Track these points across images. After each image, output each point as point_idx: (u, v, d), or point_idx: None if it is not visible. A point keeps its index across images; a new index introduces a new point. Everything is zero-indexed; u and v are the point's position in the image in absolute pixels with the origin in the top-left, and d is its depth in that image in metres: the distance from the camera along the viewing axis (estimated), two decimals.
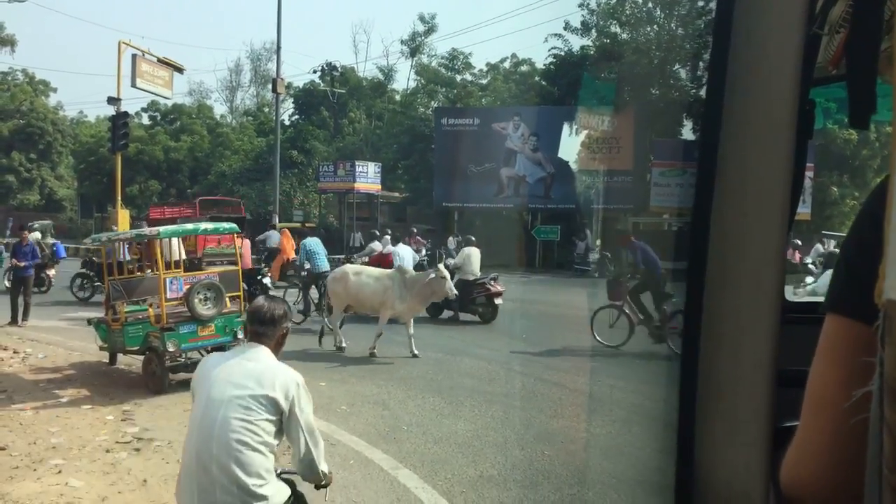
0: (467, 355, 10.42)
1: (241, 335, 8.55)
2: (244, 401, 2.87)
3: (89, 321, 9.48)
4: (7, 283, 14.67)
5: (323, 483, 3.07)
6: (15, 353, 10.28)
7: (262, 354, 3.03)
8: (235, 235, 9.83)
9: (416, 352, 10.10)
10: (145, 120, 44.56)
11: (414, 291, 10.19)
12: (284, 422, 2.93)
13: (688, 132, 30.91)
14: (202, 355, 8.67)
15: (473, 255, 13.66)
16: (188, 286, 8.28)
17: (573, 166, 30.97)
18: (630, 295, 10.64)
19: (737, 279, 1.06)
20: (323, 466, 3.01)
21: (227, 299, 8.72)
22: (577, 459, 6.34)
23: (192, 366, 8.54)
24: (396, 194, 38.92)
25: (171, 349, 7.95)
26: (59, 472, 5.59)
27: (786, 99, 1.04)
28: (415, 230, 21.40)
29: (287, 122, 43.65)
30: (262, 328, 3.10)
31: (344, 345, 10.56)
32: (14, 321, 12.54)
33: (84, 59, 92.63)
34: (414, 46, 40.01)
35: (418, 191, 34.50)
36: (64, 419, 7.14)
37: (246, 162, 37.62)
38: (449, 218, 31.31)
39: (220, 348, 8.55)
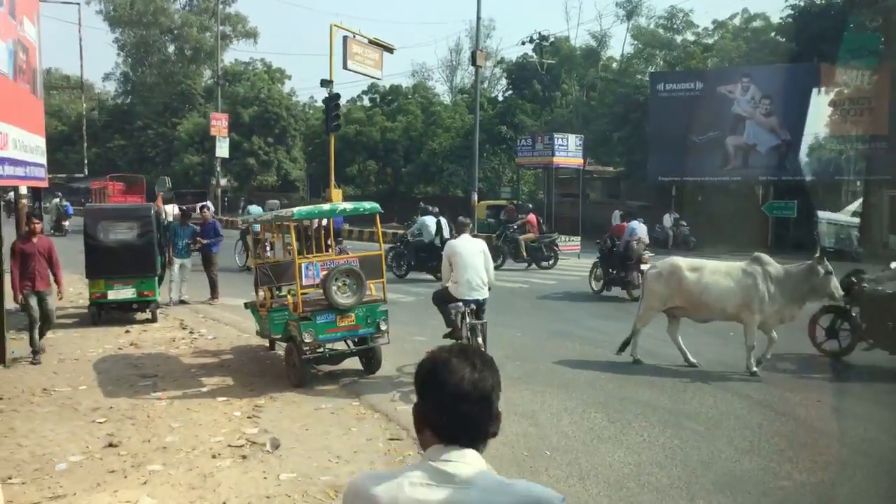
0: (654, 356, 8.77)
1: (384, 327, 7.76)
2: (477, 253, 7.61)
3: (246, 305, 9.26)
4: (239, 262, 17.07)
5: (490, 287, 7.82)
6: (191, 333, 10.45)
7: (468, 237, 7.83)
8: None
9: (755, 369, 7.92)
10: (366, 102, 46.38)
11: (786, 290, 7.91)
12: (485, 259, 7.67)
13: None
14: (349, 347, 8.04)
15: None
16: (325, 272, 7.59)
17: (815, 132, 26.71)
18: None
19: None
20: (493, 277, 7.89)
21: (372, 287, 7.96)
22: None
23: (334, 358, 7.94)
24: (610, 168, 36.74)
25: (307, 340, 7.33)
26: (145, 482, 5.09)
27: None
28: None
29: (500, 98, 43.11)
30: (464, 227, 7.98)
31: (637, 356, 8.54)
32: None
33: (313, 44, 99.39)
34: (630, 8, 37.24)
35: (633, 164, 32.16)
36: (193, 412, 6.80)
37: (456, 139, 37.55)
38: (665, 193, 28.73)
39: (363, 341, 7.86)
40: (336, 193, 27.94)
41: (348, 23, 39.66)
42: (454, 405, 1.56)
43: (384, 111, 43.27)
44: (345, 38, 28.64)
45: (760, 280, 7.92)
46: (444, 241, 14.61)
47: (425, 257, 15.60)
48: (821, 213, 22.99)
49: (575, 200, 27.45)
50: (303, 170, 46.94)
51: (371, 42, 30.15)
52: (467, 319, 7.52)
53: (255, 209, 18.80)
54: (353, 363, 8.25)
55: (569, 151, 23.06)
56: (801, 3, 28.62)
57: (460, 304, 7.52)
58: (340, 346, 8.09)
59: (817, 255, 7.88)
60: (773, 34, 32.58)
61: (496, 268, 13.19)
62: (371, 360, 8.01)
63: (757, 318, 7.97)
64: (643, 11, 38.01)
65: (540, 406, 6.86)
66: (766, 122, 26.74)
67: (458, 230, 8.15)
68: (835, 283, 7.82)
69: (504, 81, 45.43)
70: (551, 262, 18.06)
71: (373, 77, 32.58)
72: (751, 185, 28.29)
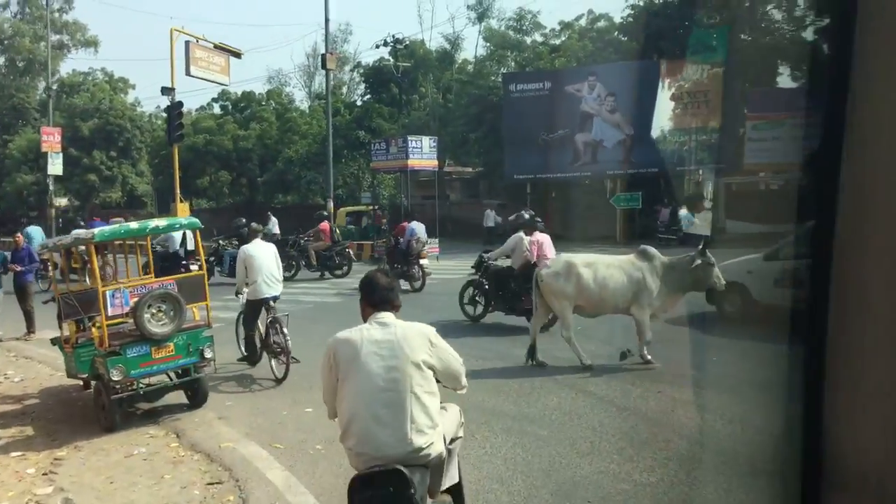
0: (502, 359, 8.55)
1: (209, 354, 7.05)
2: (269, 255, 8.63)
3: (53, 341, 8.22)
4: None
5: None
6: None
7: (260, 242, 8.81)
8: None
9: (648, 357, 7.99)
10: (217, 110, 44.35)
11: (669, 281, 7.98)
12: (276, 260, 8.72)
13: (785, 80, 27.60)
14: (170, 379, 7.27)
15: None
16: (136, 298, 6.79)
17: (655, 126, 28.00)
18: None
19: (872, 240, 0.94)
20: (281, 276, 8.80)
21: (195, 310, 7.23)
22: None
23: (151, 394, 7.14)
24: (469, 169, 37.05)
25: (115, 377, 6.50)
26: None
27: None
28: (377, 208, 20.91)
29: (359, 103, 42.45)
30: (256, 233, 8.95)
31: (588, 362, 8.05)
32: None
33: (159, 51, 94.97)
34: (480, 10, 37.71)
35: (491, 164, 32.53)
36: None
37: (313, 146, 36.58)
38: (522, 191, 29.23)
39: (185, 372, 7.10)
40: (182, 208, 26.28)
41: (193, 27, 37.80)
42: (380, 292, 3.53)
43: (236, 119, 41.52)
44: (187, 43, 27.07)
45: (648, 274, 7.95)
46: (188, 253, 15.64)
47: (167, 266, 15.24)
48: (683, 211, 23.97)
49: (435, 202, 27.36)
50: (150, 184, 44.26)
51: (216, 47, 28.72)
52: (259, 324, 8.56)
53: (34, 231, 17.33)
54: (179, 396, 7.50)
55: (423, 153, 22.86)
56: (641, 3, 29.91)
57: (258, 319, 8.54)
58: (163, 378, 7.30)
59: (700, 246, 7.97)
60: (616, 33, 33.94)
61: (291, 277, 16.28)
62: (197, 393, 7.26)
63: (647, 311, 7.99)
64: (494, 14, 38.62)
65: None
66: (612, 118, 27.73)
67: (250, 236, 8.93)
68: (717, 272, 7.88)
69: (363, 86, 44.84)
70: (344, 269, 18.00)
71: (220, 83, 31.01)
72: (600, 179, 29.26)
